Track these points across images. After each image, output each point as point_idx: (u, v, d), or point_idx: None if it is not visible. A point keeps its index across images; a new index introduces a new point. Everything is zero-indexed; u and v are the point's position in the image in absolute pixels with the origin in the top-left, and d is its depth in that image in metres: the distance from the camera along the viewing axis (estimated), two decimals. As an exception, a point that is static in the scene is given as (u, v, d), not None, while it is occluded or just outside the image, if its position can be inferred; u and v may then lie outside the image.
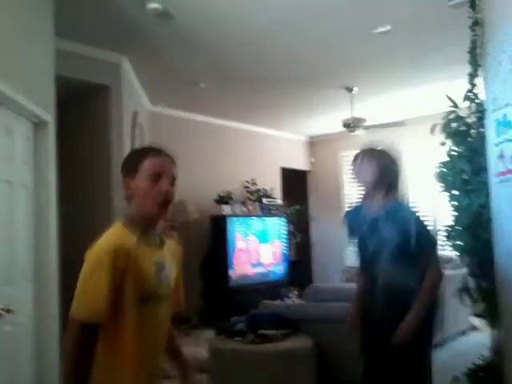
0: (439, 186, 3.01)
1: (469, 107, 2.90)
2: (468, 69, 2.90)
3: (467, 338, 6.05)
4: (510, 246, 2.52)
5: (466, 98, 2.90)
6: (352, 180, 3.22)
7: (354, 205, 3.35)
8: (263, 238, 8.27)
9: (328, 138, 10.00)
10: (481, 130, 2.83)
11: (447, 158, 2.93)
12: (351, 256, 3.42)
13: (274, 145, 9.64)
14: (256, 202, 8.56)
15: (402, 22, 4.72)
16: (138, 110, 6.30)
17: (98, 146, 5.40)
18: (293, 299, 7.46)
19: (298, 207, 9.27)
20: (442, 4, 4.23)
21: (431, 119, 3.05)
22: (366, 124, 6.81)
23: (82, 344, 1.66)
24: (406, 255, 2.76)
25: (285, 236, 8.70)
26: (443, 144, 2.95)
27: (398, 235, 2.77)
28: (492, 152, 2.65)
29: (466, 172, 2.81)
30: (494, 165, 2.63)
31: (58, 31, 3.92)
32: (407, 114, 8.17)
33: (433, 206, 7.86)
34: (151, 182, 1.80)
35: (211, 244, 7.80)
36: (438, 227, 6.81)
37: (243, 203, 8.32)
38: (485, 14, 2.78)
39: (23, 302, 3.26)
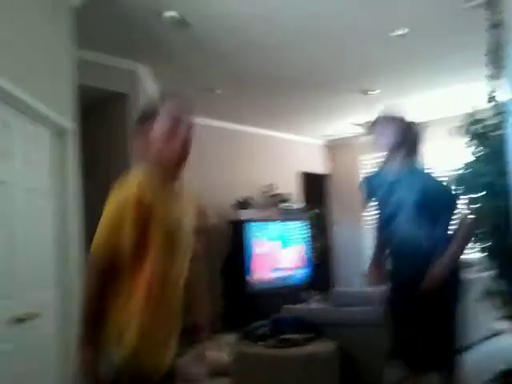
0: (458, 188, 3.00)
1: (494, 107, 2.88)
2: (486, 71, 2.88)
3: (492, 342, 5.94)
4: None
5: (490, 99, 2.88)
6: (371, 146, 3.18)
7: (373, 170, 3.31)
8: (284, 242, 8.25)
9: (347, 142, 9.95)
10: (503, 131, 2.82)
11: (468, 160, 2.92)
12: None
13: (293, 149, 9.62)
14: (275, 206, 8.56)
15: (420, 25, 4.71)
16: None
17: (116, 153, 5.43)
18: (314, 303, 7.42)
19: (317, 211, 9.24)
20: (458, 7, 4.21)
21: (449, 122, 3.04)
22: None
23: (100, 277, 1.80)
24: (426, 215, 2.77)
25: (307, 239, 8.67)
26: (469, 145, 2.94)
27: (417, 195, 2.78)
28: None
29: (492, 173, 2.79)
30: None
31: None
32: (425, 117, 8.10)
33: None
34: (170, 128, 1.84)
35: (231, 249, 7.80)
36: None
37: (262, 208, 8.32)
38: (505, 15, 2.76)
39: (48, 305, 3.30)
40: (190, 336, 2.15)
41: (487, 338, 5.88)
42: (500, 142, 2.80)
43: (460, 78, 6.15)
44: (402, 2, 4.26)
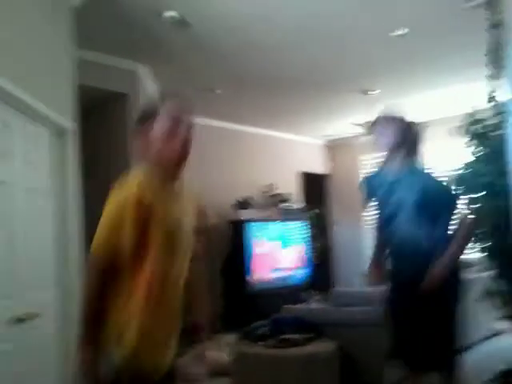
0: (458, 188, 3.00)
1: (494, 107, 2.88)
2: (486, 71, 2.88)
3: (492, 342, 5.93)
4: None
5: (490, 99, 2.88)
6: (371, 146, 3.19)
7: (373, 170, 3.32)
8: (284, 242, 8.26)
9: (347, 142, 9.95)
10: (504, 131, 2.82)
11: (468, 160, 2.92)
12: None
13: (293, 149, 9.62)
14: (275, 206, 8.56)
15: (420, 25, 4.71)
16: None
17: (116, 153, 5.43)
18: (314, 303, 7.42)
19: (317, 211, 9.25)
20: (458, 7, 4.21)
21: (449, 122, 3.04)
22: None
23: (100, 277, 1.81)
24: (426, 215, 2.78)
25: (307, 239, 8.68)
26: (469, 145, 2.94)
27: (417, 195, 2.78)
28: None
29: (492, 174, 2.79)
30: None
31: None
32: (425, 117, 8.10)
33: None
34: (170, 128, 1.84)
35: (231, 249, 7.81)
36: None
37: (262, 208, 8.32)
38: (505, 15, 2.76)
39: (48, 305, 3.30)
40: (190, 336, 2.15)
41: (487, 337, 5.87)
42: (500, 142, 2.80)
43: (460, 77, 6.15)
44: (402, 2, 4.26)
